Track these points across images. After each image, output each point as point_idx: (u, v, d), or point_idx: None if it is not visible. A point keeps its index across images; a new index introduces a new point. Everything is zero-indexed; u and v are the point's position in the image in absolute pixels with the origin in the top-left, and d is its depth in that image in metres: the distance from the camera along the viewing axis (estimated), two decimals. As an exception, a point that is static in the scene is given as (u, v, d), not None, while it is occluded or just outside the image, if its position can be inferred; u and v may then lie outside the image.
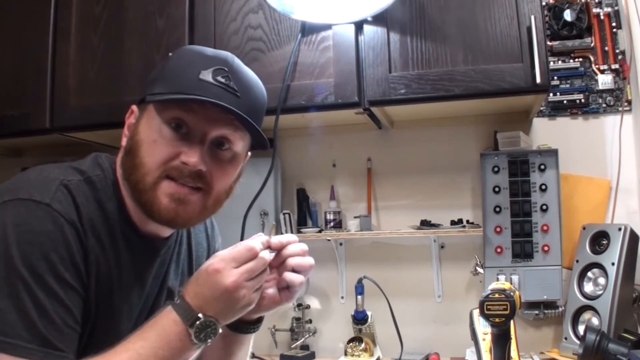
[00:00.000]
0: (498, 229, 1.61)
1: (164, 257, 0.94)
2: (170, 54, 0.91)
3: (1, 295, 0.69)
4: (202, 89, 0.81)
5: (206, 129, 0.83)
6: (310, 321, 1.81)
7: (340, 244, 1.83)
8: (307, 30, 1.52)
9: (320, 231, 1.77)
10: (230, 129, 0.84)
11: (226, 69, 0.84)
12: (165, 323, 0.76)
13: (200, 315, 0.76)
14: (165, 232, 0.92)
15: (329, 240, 1.80)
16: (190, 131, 0.83)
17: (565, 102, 1.71)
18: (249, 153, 0.94)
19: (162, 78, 0.85)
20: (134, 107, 0.88)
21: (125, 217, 0.86)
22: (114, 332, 0.85)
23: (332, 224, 1.78)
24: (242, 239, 1.70)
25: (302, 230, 1.78)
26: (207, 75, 0.82)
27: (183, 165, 0.81)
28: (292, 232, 1.78)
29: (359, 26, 1.50)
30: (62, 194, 0.78)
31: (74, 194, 0.79)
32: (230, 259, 0.78)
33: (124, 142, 0.87)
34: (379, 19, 1.47)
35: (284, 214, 1.78)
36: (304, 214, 1.84)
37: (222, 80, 0.83)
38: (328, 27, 1.51)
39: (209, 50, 0.88)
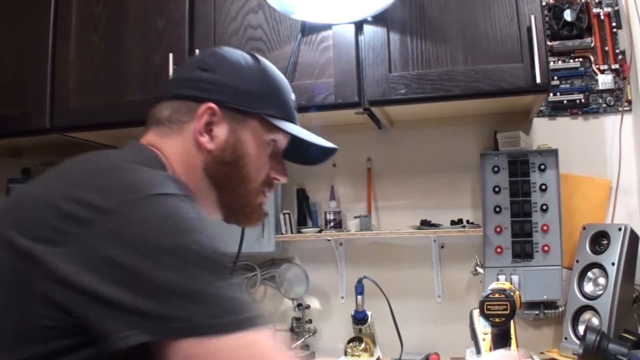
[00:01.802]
0: (498, 229, 1.61)
1: None
2: (257, 60, 0.94)
3: (216, 279, 0.64)
4: (295, 117, 0.95)
5: (283, 147, 0.95)
6: (310, 321, 1.81)
7: (340, 244, 1.83)
8: (307, 30, 1.52)
9: (320, 231, 1.77)
10: None
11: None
12: None
13: None
14: None
15: (329, 240, 1.80)
16: (278, 151, 0.94)
17: (565, 102, 1.71)
18: None
19: (271, 98, 0.91)
20: (215, 107, 0.85)
21: None
22: None
23: (332, 224, 1.78)
24: (242, 239, 1.71)
25: (302, 230, 1.78)
26: (294, 103, 0.96)
27: (276, 181, 0.94)
28: (292, 232, 1.78)
29: (359, 26, 1.50)
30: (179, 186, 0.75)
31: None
32: None
33: (208, 145, 0.84)
34: (379, 19, 1.47)
35: (284, 214, 1.78)
36: (304, 214, 1.84)
37: (295, 105, 0.97)
38: (328, 27, 1.51)
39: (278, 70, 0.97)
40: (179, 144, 0.86)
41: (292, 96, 0.96)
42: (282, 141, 0.93)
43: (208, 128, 0.85)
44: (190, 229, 0.66)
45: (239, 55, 0.92)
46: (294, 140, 0.94)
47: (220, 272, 0.65)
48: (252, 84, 0.89)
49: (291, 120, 0.93)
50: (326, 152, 1.01)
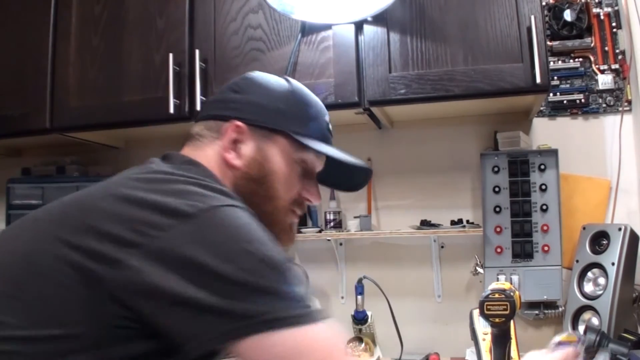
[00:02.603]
0: (498, 229, 1.61)
1: None
2: (288, 82, 0.95)
3: (285, 279, 0.67)
4: (328, 138, 0.94)
5: (318, 170, 0.95)
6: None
7: (340, 244, 1.83)
8: (307, 30, 1.52)
9: (320, 231, 1.77)
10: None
11: (328, 116, 0.96)
12: None
13: None
14: None
15: (329, 240, 1.80)
16: (311, 171, 0.93)
17: (565, 102, 1.71)
18: None
19: (299, 116, 0.90)
20: (242, 125, 0.86)
21: None
22: None
23: (332, 224, 1.78)
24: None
25: (302, 230, 1.78)
26: (327, 125, 0.95)
27: (307, 202, 0.93)
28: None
29: (359, 26, 1.50)
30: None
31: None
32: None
33: (234, 161, 0.86)
34: (379, 19, 1.47)
35: (284, 214, 1.78)
36: (304, 214, 1.84)
37: (330, 128, 0.96)
38: (328, 27, 1.51)
39: (312, 93, 0.97)
40: (210, 156, 0.87)
41: (326, 117, 0.95)
42: (315, 162, 0.92)
43: (235, 145, 0.86)
44: (258, 237, 0.70)
45: (270, 77, 0.94)
46: (331, 163, 0.94)
47: (288, 274, 0.68)
48: (280, 102, 0.90)
49: (322, 139, 0.92)
50: (363, 174, 1.01)
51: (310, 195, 0.92)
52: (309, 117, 0.91)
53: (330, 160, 0.94)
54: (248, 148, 0.87)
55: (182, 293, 0.63)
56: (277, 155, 0.87)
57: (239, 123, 0.87)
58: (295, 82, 0.95)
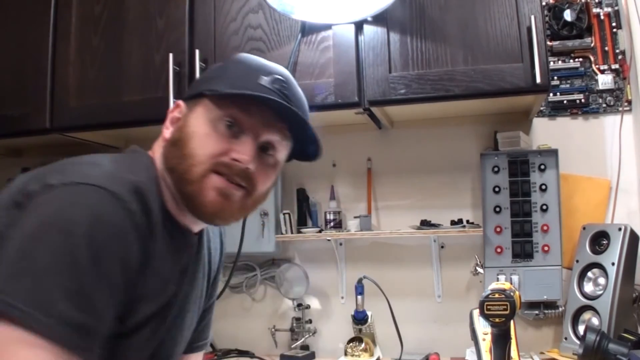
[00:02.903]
0: (498, 229, 1.61)
1: (189, 251, 0.94)
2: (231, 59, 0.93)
3: (54, 270, 0.66)
4: (262, 92, 0.83)
5: (259, 131, 0.85)
6: (310, 321, 1.81)
7: (340, 244, 1.83)
8: (307, 30, 1.52)
9: (320, 231, 1.77)
10: (279, 137, 0.87)
11: (284, 80, 0.88)
12: None
13: None
14: (197, 227, 0.93)
15: (329, 240, 1.80)
16: (243, 131, 0.84)
17: (565, 102, 1.71)
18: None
19: (221, 77, 0.87)
20: (181, 103, 0.89)
21: (164, 210, 0.85)
22: (176, 328, 0.90)
23: (332, 224, 1.78)
24: (241, 239, 1.70)
25: (302, 230, 1.78)
26: (266, 82, 0.85)
27: (234, 162, 0.83)
28: (292, 232, 1.78)
29: (359, 26, 1.50)
30: (135, 197, 0.76)
31: (146, 198, 0.78)
32: None
33: (167, 134, 0.88)
34: (379, 19, 1.47)
35: (284, 214, 1.78)
36: (304, 214, 1.84)
37: (280, 88, 0.86)
38: (328, 27, 1.51)
39: (267, 62, 0.91)
40: (157, 144, 0.90)
41: (266, 76, 0.86)
42: (244, 119, 0.84)
43: (174, 123, 0.89)
44: (73, 214, 0.70)
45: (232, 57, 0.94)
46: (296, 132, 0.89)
47: (65, 270, 0.67)
48: (209, 72, 0.91)
49: (249, 89, 0.83)
50: (317, 147, 0.93)
51: (236, 152, 0.83)
52: (232, 75, 0.87)
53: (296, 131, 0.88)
54: (181, 120, 0.88)
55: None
56: (197, 117, 0.85)
57: (178, 101, 0.90)
58: (247, 54, 0.93)
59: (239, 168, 0.83)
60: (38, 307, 0.64)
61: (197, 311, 1.01)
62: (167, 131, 0.88)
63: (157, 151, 0.89)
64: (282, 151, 0.90)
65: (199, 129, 0.84)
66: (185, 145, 0.83)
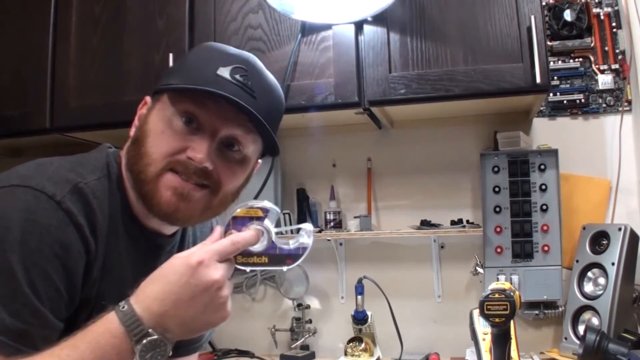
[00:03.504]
0: (498, 229, 1.61)
1: (168, 255, 0.90)
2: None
3: None
4: (218, 84, 0.79)
5: (217, 126, 0.80)
6: (310, 321, 1.81)
7: (340, 244, 1.83)
8: (307, 30, 1.52)
9: (320, 231, 1.77)
10: (242, 130, 0.82)
11: (246, 68, 0.82)
12: (101, 333, 0.66)
13: (150, 330, 0.66)
14: (168, 229, 0.90)
15: (329, 240, 1.80)
16: (200, 127, 0.80)
17: (565, 102, 1.71)
18: (260, 160, 0.92)
19: (179, 70, 0.84)
20: (147, 98, 0.87)
21: (128, 212, 0.84)
22: None
23: (332, 224, 1.78)
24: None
25: (302, 230, 1.78)
26: (224, 72, 0.80)
27: (189, 161, 0.79)
28: (292, 232, 1.77)
29: (359, 26, 1.50)
30: (75, 197, 0.74)
31: (88, 198, 0.76)
32: (214, 252, 0.70)
33: (132, 132, 0.85)
34: (379, 19, 1.47)
35: (284, 214, 1.78)
36: (304, 214, 1.84)
37: (240, 79, 0.81)
38: (328, 27, 1.51)
39: (231, 49, 0.86)
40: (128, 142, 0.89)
41: (223, 66, 0.81)
42: (201, 115, 0.80)
43: (140, 118, 0.87)
44: (6, 219, 0.69)
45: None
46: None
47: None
48: (173, 65, 0.91)
49: (202, 86, 0.78)
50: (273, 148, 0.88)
51: (191, 150, 0.79)
52: (189, 68, 0.83)
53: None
54: (142, 118, 0.85)
55: None
56: (155, 114, 0.82)
57: (146, 97, 0.87)
58: (210, 43, 0.91)
59: (195, 167, 0.79)
60: None
61: None
62: (133, 128, 0.86)
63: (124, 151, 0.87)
64: (250, 145, 0.84)
65: (155, 127, 0.81)
66: (142, 144, 0.80)
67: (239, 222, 0.76)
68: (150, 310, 0.67)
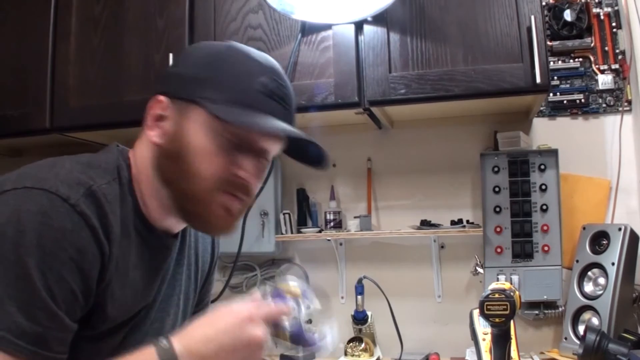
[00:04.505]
0: (498, 229, 1.61)
1: (173, 254, 0.91)
2: (227, 46, 0.84)
3: (4, 282, 0.66)
4: (260, 103, 0.78)
5: (262, 145, 0.81)
6: (310, 321, 1.80)
7: (340, 244, 1.83)
8: (307, 30, 1.52)
9: (320, 231, 1.77)
10: (278, 144, 0.84)
11: (279, 80, 0.81)
12: None
13: None
14: (177, 228, 0.89)
15: (329, 240, 1.80)
16: (245, 145, 0.80)
17: (565, 102, 1.71)
18: None
19: (216, 82, 0.79)
20: (164, 100, 0.81)
21: (139, 215, 0.83)
22: (156, 333, 0.85)
23: (332, 224, 1.78)
24: (241, 239, 1.70)
25: (302, 230, 1.78)
26: (264, 87, 0.79)
27: (239, 180, 0.79)
28: (292, 232, 1.78)
29: (359, 26, 1.50)
30: (89, 200, 0.73)
31: (101, 201, 0.75)
32: (264, 312, 0.76)
33: (155, 138, 0.81)
34: (379, 19, 1.47)
35: (284, 214, 1.78)
36: (304, 214, 1.84)
37: (277, 92, 0.80)
38: (328, 27, 1.51)
39: (257, 54, 0.83)
40: (142, 143, 0.85)
41: (262, 78, 0.79)
42: (248, 137, 0.79)
43: (158, 122, 0.82)
44: (20, 222, 0.68)
45: (210, 44, 0.87)
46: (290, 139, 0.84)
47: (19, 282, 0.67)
48: (200, 68, 0.80)
49: (249, 105, 0.77)
50: (321, 155, 0.89)
51: (243, 171, 0.79)
52: (227, 81, 0.78)
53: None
54: (169, 122, 0.81)
55: None
56: (196, 127, 0.78)
57: (161, 97, 0.81)
58: (232, 44, 0.84)
59: (242, 184, 0.80)
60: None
61: (181, 313, 0.97)
62: (154, 134, 0.81)
63: (140, 153, 0.84)
64: (275, 152, 0.86)
65: (199, 143, 0.78)
66: (186, 161, 0.78)
67: (278, 294, 0.82)
68: (190, 351, 0.70)
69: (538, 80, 1.33)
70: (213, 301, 1.16)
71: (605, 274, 1.46)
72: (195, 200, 0.79)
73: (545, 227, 1.58)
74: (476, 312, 1.26)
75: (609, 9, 1.69)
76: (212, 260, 1.07)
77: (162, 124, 0.81)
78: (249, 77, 0.79)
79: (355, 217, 1.79)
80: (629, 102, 1.66)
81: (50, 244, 0.69)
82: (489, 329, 1.09)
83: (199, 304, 1.06)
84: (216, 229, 0.83)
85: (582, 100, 1.69)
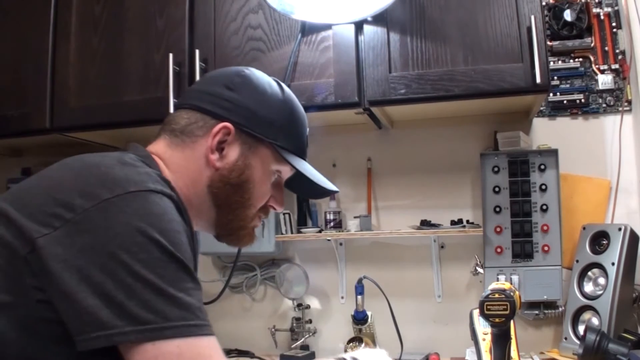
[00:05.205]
0: (498, 229, 1.61)
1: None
2: (281, 89, 0.95)
3: (168, 280, 0.66)
4: (305, 152, 0.97)
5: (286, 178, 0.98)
6: (310, 321, 1.81)
7: (340, 244, 1.83)
8: (307, 30, 1.52)
9: (320, 231, 1.77)
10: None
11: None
12: None
13: None
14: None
15: (329, 240, 1.80)
16: (282, 182, 0.97)
17: (565, 102, 1.71)
18: None
19: (287, 130, 0.92)
20: (230, 127, 0.86)
21: (187, 219, 0.83)
22: None
23: (332, 224, 1.78)
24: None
25: (302, 230, 1.78)
26: (307, 137, 0.98)
27: (272, 209, 0.96)
28: (292, 232, 1.78)
29: (359, 26, 1.50)
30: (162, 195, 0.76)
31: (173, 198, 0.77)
32: None
33: (217, 163, 0.86)
34: (379, 19, 1.47)
35: (284, 214, 1.78)
36: (304, 214, 1.84)
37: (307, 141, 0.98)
38: (328, 27, 1.51)
39: (302, 110, 0.98)
40: (188, 157, 0.87)
41: (307, 131, 0.97)
42: (287, 172, 0.95)
43: (220, 147, 0.87)
44: (162, 228, 0.68)
45: (265, 81, 0.93)
46: (298, 175, 0.96)
47: (188, 275, 0.69)
48: (272, 113, 0.90)
49: (301, 155, 0.95)
50: (325, 192, 1.02)
51: (276, 203, 0.96)
52: (295, 132, 0.94)
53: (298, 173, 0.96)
54: (233, 152, 0.87)
55: (72, 288, 0.63)
56: (258, 164, 0.89)
57: (229, 125, 0.86)
58: (287, 91, 0.96)
59: (271, 211, 0.97)
60: (181, 318, 0.66)
61: None
62: (215, 158, 0.86)
63: (179, 164, 0.86)
64: None
65: (258, 178, 0.90)
66: (246, 193, 0.89)
67: None
68: None
69: (538, 80, 1.33)
70: (213, 301, 1.16)
71: (605, 274, 1.46)
72: (241, 224, 0.91)
73: (545, 227, 1.58)
74: (476, 312, 1.26)
75: (609, 9, 1.69)
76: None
77: (224, 150, 0.87)
78: (304, 129, 0.97)
79: (355, 217, 1.79)
80: (629, 102, 1.66)
81: (178, 237, 0.71)
82: (489, 329, 1.09)
83: None
84: (243, 244, 0.95)
85: (582, 100, 1.69)
